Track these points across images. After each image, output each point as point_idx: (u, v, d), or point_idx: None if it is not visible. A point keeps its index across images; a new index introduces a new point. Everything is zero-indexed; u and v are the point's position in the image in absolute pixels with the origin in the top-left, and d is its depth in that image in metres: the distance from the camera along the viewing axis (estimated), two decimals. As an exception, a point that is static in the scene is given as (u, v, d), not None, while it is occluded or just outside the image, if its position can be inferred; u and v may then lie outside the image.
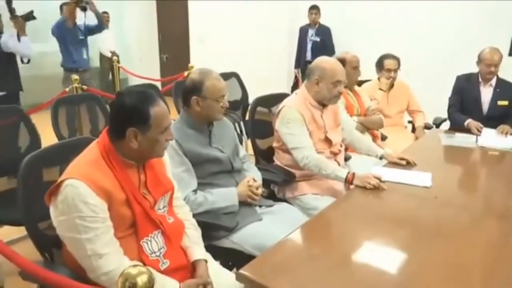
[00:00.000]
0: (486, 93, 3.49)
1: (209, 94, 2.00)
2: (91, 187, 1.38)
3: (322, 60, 2.47)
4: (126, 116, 1.46)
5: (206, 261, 1.66)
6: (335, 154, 2.52)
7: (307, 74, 2.48)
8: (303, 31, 6.10)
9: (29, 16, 4.23)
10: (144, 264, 1.48)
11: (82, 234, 1.37)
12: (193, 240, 1.69)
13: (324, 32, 5.93)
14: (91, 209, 1.37)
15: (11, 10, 4.13)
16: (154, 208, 1.58)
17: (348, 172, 2.22)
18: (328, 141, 2.48)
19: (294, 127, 2.37)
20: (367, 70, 3.75)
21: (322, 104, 2.47)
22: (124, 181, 1.48)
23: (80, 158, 1.50)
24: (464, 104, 3.58)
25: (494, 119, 3.44)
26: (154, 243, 1.55)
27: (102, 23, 5.57)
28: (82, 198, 1.36)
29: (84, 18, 5.30)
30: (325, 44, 5.86)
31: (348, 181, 2.21)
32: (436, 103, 3.84)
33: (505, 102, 3.43)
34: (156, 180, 1.61)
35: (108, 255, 1.39)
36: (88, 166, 1.44)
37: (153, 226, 1.55)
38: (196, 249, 1.67)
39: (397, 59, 3.62)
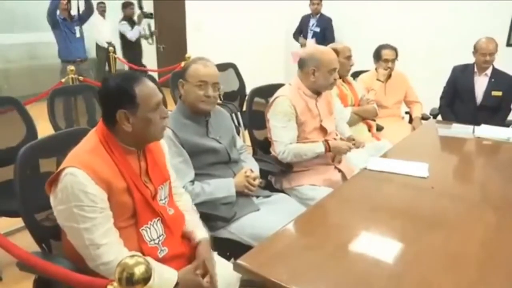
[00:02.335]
0: (481, 83, 3.52)
1: (190, 77, 1.99)
2: (90, 175, 1.36)
3: (315, 50, 2.49)
4: (113, 99, 1.45)
5: (207, 239, 1.68)
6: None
7: (300, 64, 2.48)
8: (305, 21, 6.05)
9: (147, 15, 6.98)
10: (143, 252, 1.48)
11: (80, 224, 1.36)
12: (193, 224, 1.71)
13: (325, 23, 5.88)
14: (90, 198, 1.36)
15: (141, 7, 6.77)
16: (156, 199, 1.57)
17: (323, 143, 2.36)
18: (323, 129, 2.49)
19: (281, 120, 2.38)
20: (366, 61, 3.75)
21: (317, 93, 2.47)
22: (124, 168, 1.46)
23: (79, 146, 1.49)
24: (458, 93, 3.62)
25: (487, 109, 3.49)
26: (153, 231, 1.54)
27: (90, 7, 5.50)
28: (82, 187, 1.35)
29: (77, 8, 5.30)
30: (325, 35, 5.82)
31: (327, 150, 2.38)
32: (433, 94, 3.84)
33: (499, 93, 3.46)
34: (156, 168, 1.60)
35: (107, 245, 1.38)
36: (88, 154, 1.42)
37: (152, 213, 1.55)
38: (197, 231, 1.69)
39: (394, 49, 3.61)
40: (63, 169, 1.38)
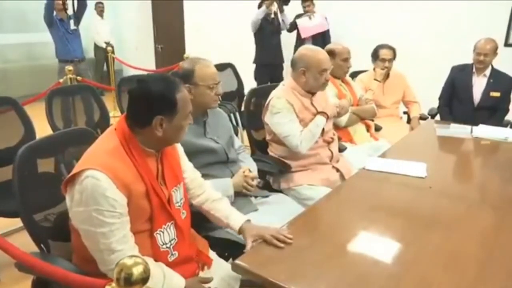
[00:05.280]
0: (479, 83, 3.53)
1: (200, 80, 1.99)
2: (113, 179, 1.34)
3: (306, 50, 2.49)
4: (154, 104, 1.42)
5: (249, 221, 1.70)
6: (328, 143, 2.53)
7: (291, 65, 2.49)
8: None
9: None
10: (154, 256, 1.48)
11: (97, 228, 1.34)
12: (226, 213, 1.74)
13: None
14: (110, 203, 1.33)
15: None
16: (172, 202, 1.56)
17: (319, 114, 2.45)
18: None
19: (283, 116, 2.39)
20: (365, 62, 3.75)
21: (311, 92, 2.48)
22: (144, 171, 1.45)
23: (98, 146, 1.46)
24: (456, 93, 3.63)
25: (484, 109, 3.50)
26: (166, 235, 1.53)
27: (83, 4, 5.44)
28: (102, 191, 1.32)
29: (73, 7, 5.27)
30: (324, 36, 5.81)
31: (327, 117, 2.47)
32: (431, 94, 3.85)
33: (497, 94, 3.46)
34: (171, 171, 1.59)
35: (122, 251, 1.35)
36: (109, 156, 1.39)
37: (167, 217, 1.54)
38: (234, 218, 1.72)
39: (392, 49, 3.62)
40: (83, 170, 1.34)
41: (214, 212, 1.75)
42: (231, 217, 1.72)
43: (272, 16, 5.36)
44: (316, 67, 2.39)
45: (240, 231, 1.67)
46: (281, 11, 5.39)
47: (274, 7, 5.31)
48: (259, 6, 5.37)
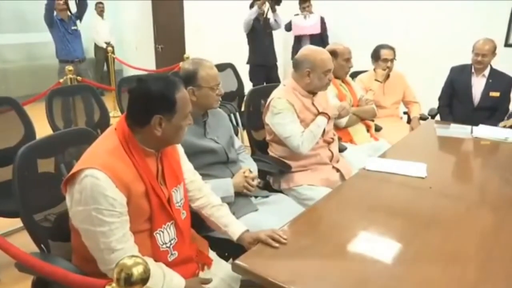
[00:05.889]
0: (478, 84, 3.53)
1: (205, 82, 1.99)
2: (112, 178, 1.34)
3: (309, 51, 2.48)
4: (153, 103, 1.42)
5: (248, 231, 1.68)
6: (328, 143, 2.54)
7: (294, 66, 2.49)
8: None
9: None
10: (154, 255, 1.48)
11: (97, 227, 1.34)
12: (226, 221, 1.72)
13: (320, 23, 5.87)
14: (109, 202, 1.33)
15: None
16: (172, 202, 1.56)
17: (320, 115, 2.45)
18: None
19: (284, 116, 2.39)
20: (364, 62, 3.75)
21: (312, 92, 2.48)
22: (143, 171, 1.45)
23: (98, 145, 1.46)
24: (455, 94, 3.64)
25: (484, 109, 3.50)
26: (166, 234, 1.53)
27: (83, 4, 5.42)
28: (102, 190, 1.32)
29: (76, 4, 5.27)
30: (322, 37, 5.81)
31: (329, 118, 2.47)
32: (431, 94, 3.85)
33: (497, 94, 3.47)
34: (171, 171, 1.59)
35: (122, 251, 1.35)
36: (108, 155, 1.39)
37: (167, 217, 1.54)
38: (233, 227, 1.70)
39: (392, 49, 3.61)
40: (83, 169, 1.34)
41: (214, 219, 1.74)
42: (230, 226, 1.71)
43: (265, 16, 5.33)
44: (321, 67, 2.39)
45: (239, 240, 1.67)
46: (273, 11, 5.33)
47: (266, 7, 5.27)
48: (251, 6, 5.33)
